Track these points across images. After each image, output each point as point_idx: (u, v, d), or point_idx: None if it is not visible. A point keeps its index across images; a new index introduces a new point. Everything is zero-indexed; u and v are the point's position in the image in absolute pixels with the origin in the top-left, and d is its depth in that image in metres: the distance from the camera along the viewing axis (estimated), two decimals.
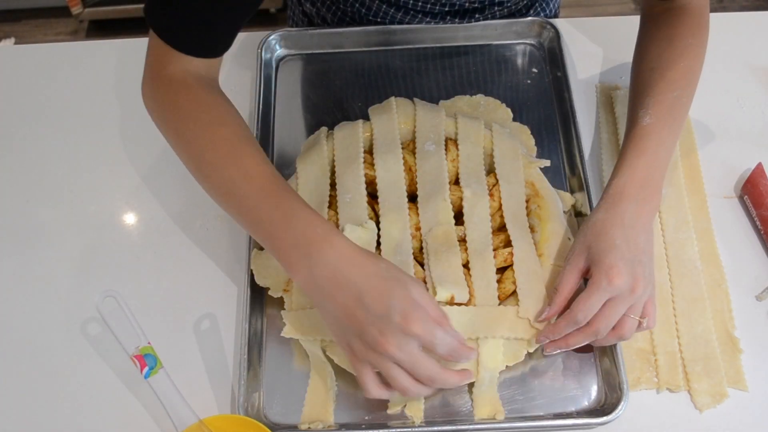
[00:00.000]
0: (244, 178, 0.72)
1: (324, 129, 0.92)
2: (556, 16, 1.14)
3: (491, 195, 0.84)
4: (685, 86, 0.83)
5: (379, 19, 1.03)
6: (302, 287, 0.70)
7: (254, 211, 0.71)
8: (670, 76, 0.83)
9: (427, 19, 1.01)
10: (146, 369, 0.75)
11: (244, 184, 0.72)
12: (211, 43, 0.77)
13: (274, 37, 1.02)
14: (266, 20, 2.36)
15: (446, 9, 1.00)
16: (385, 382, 0.68)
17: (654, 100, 0.81)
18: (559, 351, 0.76)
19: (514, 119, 0.96)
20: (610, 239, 0.73)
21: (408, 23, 1.02)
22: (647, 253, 0.74)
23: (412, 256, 0.79)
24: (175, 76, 0.77)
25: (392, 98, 0.92)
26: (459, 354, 0.67)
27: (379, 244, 0.81)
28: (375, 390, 0.68)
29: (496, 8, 1.03)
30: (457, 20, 1.02)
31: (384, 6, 1.01)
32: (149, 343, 0.77)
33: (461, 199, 0.83)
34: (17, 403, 0.79)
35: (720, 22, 1.07)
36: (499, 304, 0.78)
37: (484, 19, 1.02)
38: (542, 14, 1.09)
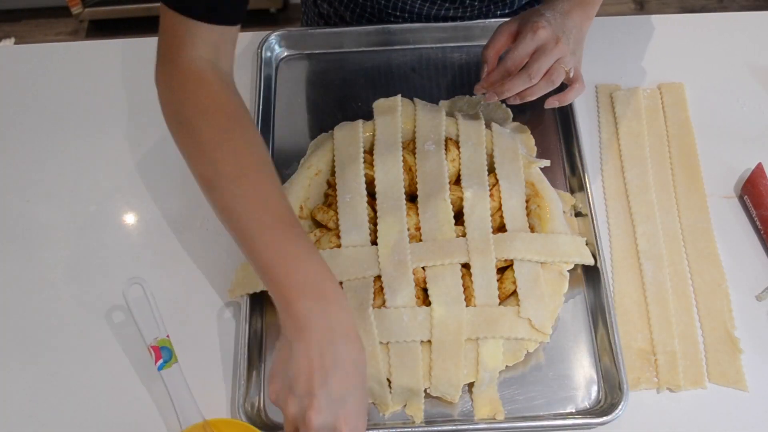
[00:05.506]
0: (258, 202, 0.69)
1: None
2: None
3: (491, 195, 0.84)
4: None
5: (398, 12, 1.03)
6: (285, 320, 0.66)
7: (262, 238, 0.68)
8: None
9: (447, 5, 1.01)
10: (160, 361, 0.76)
11: (258, 209, 0.68)
12: (223, 8, 0.73)
13: (274, 37, 1.02)
14: (266, 20, 2.37)
15: None
16: None
17: None
18: (497, 98, 0.85)
19: (514, 119, 0.96)
20: (538, 12, 0.85)
21: (428, 10, 1.02)
22: (573, 35, 0.84)
23: (409, 258, 0.79)
24: (190, 65, 0.72)
25: (398, 96, 0.92)
26: None
27: (376, 244, 0.81)
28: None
29: None
30: (476, 2, 1.03)
31: None
32: (168, 336, 0.77)
33: (461, 199, 0.83)
34: (29, 388, 0.80)
35: (720, 22, 1.07)
36: (500, 304, 0.78)
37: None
38: None
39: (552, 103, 0.87)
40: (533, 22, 0.83)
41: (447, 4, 1.01)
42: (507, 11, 1.05)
